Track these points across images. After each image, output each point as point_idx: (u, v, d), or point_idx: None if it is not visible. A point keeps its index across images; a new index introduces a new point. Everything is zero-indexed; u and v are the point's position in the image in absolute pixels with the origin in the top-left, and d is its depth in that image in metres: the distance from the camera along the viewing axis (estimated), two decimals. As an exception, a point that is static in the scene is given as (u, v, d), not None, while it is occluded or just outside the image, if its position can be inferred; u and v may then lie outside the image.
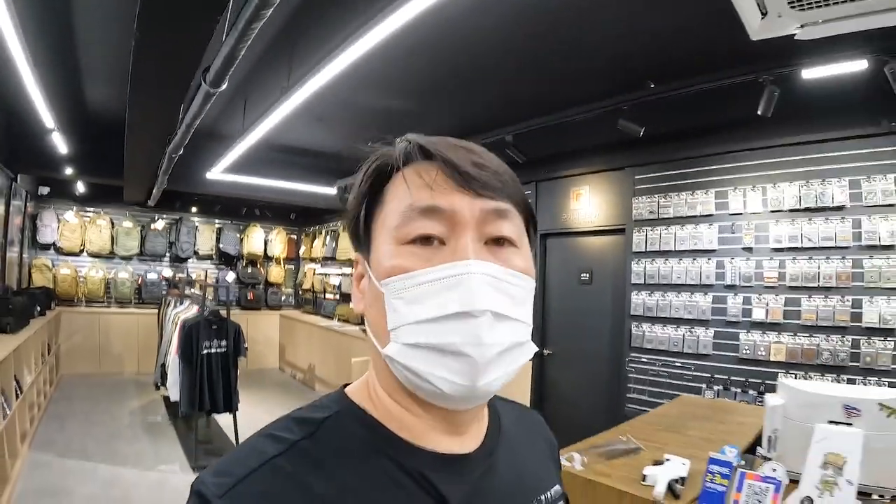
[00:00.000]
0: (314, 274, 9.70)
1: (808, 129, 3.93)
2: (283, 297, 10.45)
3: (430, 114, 4.99)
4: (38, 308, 6.20)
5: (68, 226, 8.29)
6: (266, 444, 0.58)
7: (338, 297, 8.83)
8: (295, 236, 10.74)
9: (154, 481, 4.34)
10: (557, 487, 0.77)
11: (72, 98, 4.91)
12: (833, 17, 2.07)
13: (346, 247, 8.42)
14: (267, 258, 10.26)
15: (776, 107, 3.53)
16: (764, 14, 2.14)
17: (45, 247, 8.23)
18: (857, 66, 3.26)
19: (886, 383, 3.59)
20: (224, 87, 2.82)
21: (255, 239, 9.93)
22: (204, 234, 9.60)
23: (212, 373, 4.75)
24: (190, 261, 9.54)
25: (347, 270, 8.58)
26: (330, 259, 9.18)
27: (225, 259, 9.86)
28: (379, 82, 4.17)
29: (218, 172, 6.42)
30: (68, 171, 6.60)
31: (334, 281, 8.93)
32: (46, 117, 4.67)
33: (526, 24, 3.23)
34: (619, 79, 3.99)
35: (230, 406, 4.86)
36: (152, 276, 8.99)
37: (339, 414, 0.63)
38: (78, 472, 4.38)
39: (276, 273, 10.29)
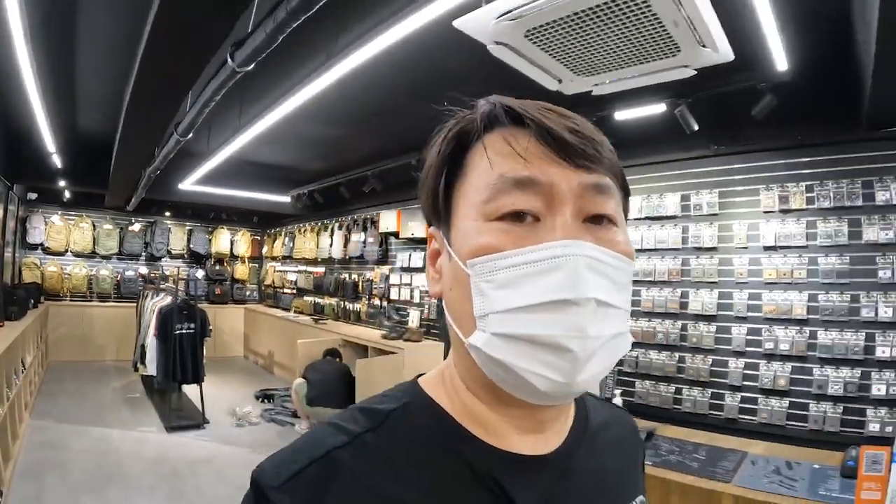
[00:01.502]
0: (274, 271, 10.71)
1: (650, 153, 4.90)
2: (248, 293, 11.35)
3: (362, 138, 6.03)
4: (32, 301, 7.16)
5: (54, 228, 9.19)
6: (328, 435, 0.55)
7: (294, 291, 9.83)
8: (259, 237, 11.63)
9: (136, 439, 5.38)
10: (641, 498, 0.70)
11: (68, 124, 5.92)
12: (609, 81, 2.84)
13: (300, 247, 9.42)
14: (233, 257, 11.19)
15: (628, 136, 4.49)
16: (560, 80, 2.86)
17: (34, 247, 9.09)
18: (657, 108, 4.18)
19: (711, 360, 4.46)
20: (191, 136, 3.93)
21: (223, 240, 10.92)
22: (176, 235, 10.52)
23: (183, 349, 5.81)
24: (164, 259, 10.42)
25: (302, 268, 9.56)
26: (287, 258, 10.14)
27: (195, 258, 10.78)
28: (317, 116, 5.21)
29: (189, 184, 7.48)
30: (61, 182, 7.63)
31: (291, 277, 9.93)
32: (48, 142, 5.70)
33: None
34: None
35: (198, 378, 5.94)
36: (130, 273, 9.90)
37: (407, 406, 0.59)
38: (72, 432, 5.37)
39: (241, 270, 11.25)
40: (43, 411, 5.99)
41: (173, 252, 10.51)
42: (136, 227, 10.08)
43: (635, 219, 4.98)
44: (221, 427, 5.87)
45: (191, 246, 10.67)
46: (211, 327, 6.26)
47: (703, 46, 2.33)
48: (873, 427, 3.85)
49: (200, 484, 4.34)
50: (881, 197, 3.88)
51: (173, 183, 7.62)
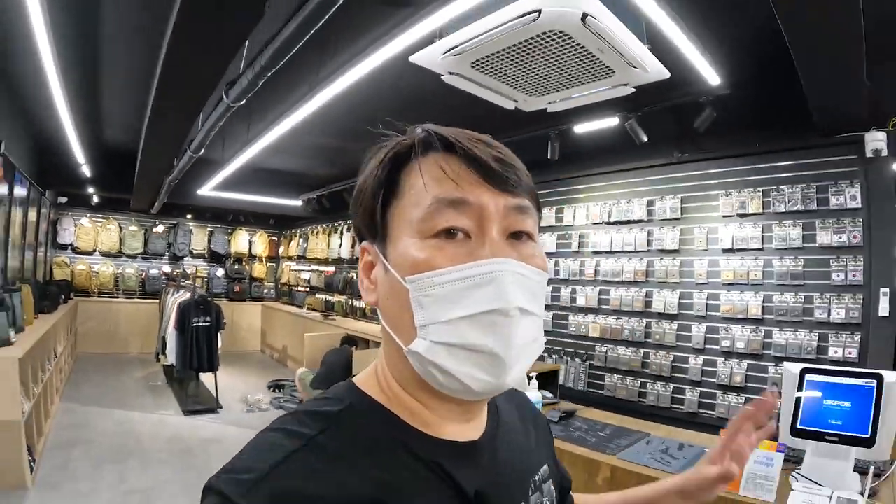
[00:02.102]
0: (290, 270, 11.26)
1: (619, 161, 5.16)
2: (265, 290, 11.88)
3: (362, 148, 6.49)
4: (63, 297, 7.73)
5: (83, 229, 9.83)
6: (282, 440, 0.57)
7: (308, 289, 10.36)
8: (276, 238, 12.16)
9: (155, 420, 5.90)
10: (546, 467, 0.79)
11: (95, 139, 6.50)
12: (560, 100, 3.09)
13: (313, 247, 9.98)
14: (251, 257, 11.74)
15: (599, 146, 4.83)
16: (516, 101, 3.12)
17: (64, 247, 9.74)
18: (611, 122, 4.42)
19: (673, 357, 4.65)
20: (202, 151, 4.45)
21: (241, 240, 11.50)
22: (197, 236, 11.13)
23: (199, 340, 6.33)
24: (186, 259, 11.00)
25: (315, 267, 10.08)
26: (301, 258, 10.68)
27: (215, 257, 11.36)
28: (320, 128, 5.65)
29: (207, 190, 8.04)
30: (90, 189, 8.29)
31: (305, 276, 10.48)
32: (79, 154, 6.29)
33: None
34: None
35: (212, 366, 6.45)
36: (154, 271, 10.50)
37: (352, 406, 0.63)
38: (98, 414, 5.91)
39: (259, 269, 11.79)
40: (72, 396, 6.55)
41: (195, 252, 11.12)
42: (160, 228, 10.68)
43: (605, 223, 5.25)
44: (233, 412, 6.37)
45: (211, 246, 11.26)
46: (225, 321, 6.75)
47: (634, 67, 2.61)
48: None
49: (210, 459, 4.82)
50: (835, 201, 4.01)
51: (193, 189, 8.20)
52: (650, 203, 4.98)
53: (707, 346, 4.56)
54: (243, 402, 6.67)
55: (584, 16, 2.21)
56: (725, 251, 4.50)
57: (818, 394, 1.98)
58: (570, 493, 0.96)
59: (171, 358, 6.58)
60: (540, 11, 2.21)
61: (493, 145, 0.64)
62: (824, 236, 4.05)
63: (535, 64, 2.70)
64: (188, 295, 6.86)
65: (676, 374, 4.64)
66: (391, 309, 0.62)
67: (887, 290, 3.77)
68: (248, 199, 8.82)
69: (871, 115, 3.68)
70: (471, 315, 0.57)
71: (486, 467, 0.66)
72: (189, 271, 10.13)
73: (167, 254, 10.85)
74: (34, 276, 7.36)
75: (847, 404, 1.92)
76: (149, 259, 10.60)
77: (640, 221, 5.04)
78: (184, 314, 6.35)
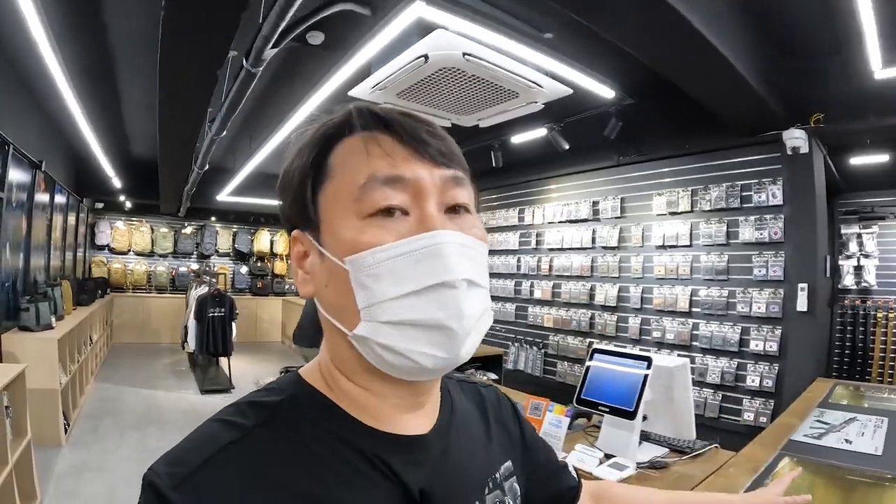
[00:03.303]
0: (308, 267, 12.06)
1: (567, 166, 5.63)
2: (287, 286, 12.68)
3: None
4: (100, 292, 8.66)
5: (118, 231, 10.81)
6: (220, 431, 0.56)
7: (324, 284, 11.13)
8: (297, 237, 13.01)
9: (175, 398, 6.74)
10: (508, 464, 0.75)
11: (122, 155, 7.48)
12: (487, 117, 3.59)
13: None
14: (273, 254, 12.58)
15: (553, 151, 5.13)
16: (450, 120, 3.60)
17: (101, 247, 10.73)
18: (539, 132, 4.94)
19: (613, 346, 4.62)
20: (206, 167, 5.26)
21: (263, 239, 12.36)
22: (223, 236, 12.04)
23: (214, 328, 7.19)
24: (212, 257, 11.89)
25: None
26: (319, 255, 11.47)
27: (239, 256, 12.25)
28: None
29: (224, 195, 8.92)
30: (121, 197, 9.31)
31: (321, 272, 11.27)
32: (108, 168, 7.24)
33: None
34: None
35: (226, 351, 7.31)
36: (183, 269, 11.43)
37: (293, 397, 0.61)
38: (127, 392, 6.78)
39: (280, 266, 12.63)
40: (105, 377, 7.49)
41: (220, 251, 12.02)
42: (189, 230, 11.63)
43: (558, 221, 5.78)
44: (244, 392, 7.04)
45: (235, 245, 12.14)
46: (237, 311, 7.58)
47: (533, 88, 3.07)
48: (748, 416, 4.16)
49: (217, 428, 5.63)
50: (757, 199, 4.23)
51: (212, 195, 9.12)
52: (595, 203, 5.44)
53: (642, 337, 4.93)
54: (255, 384, 7.47)
55: (465, 54, 2.73)
56: (658, 248, 4.87)
57: (608, 367, 2.26)
58: (602, 484, 1.03)
59: (191, 345, 7.44)
60: (427, 56, 2.78)
61: (421, 120, 0.63)
62: (747, 233, 4.29)
63: (451, 91, 3.19)
64: (206, 289, 7.73)
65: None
66: (331, 296, 0.60)
67: (805, 285, 3.97)
68: (264, 202, 9.63)
69: (791, 113, 3.89)
70: (417, 290, 0.55)
71: (434, 463, 0.63)
72: (216, 269, 11.02)
73: (195, 253, 11.76)
74: (74, 273, 8.30)
75: (623, 381, 2.15)
76: (178, 258, 11.52)
77: (586, 220, 5.51)
78: (201, 306, 7.21)
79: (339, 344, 0.61)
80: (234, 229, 12.22)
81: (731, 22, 3.20)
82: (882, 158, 4.84)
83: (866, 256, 5.21)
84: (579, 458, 2.05)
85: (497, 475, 0.72)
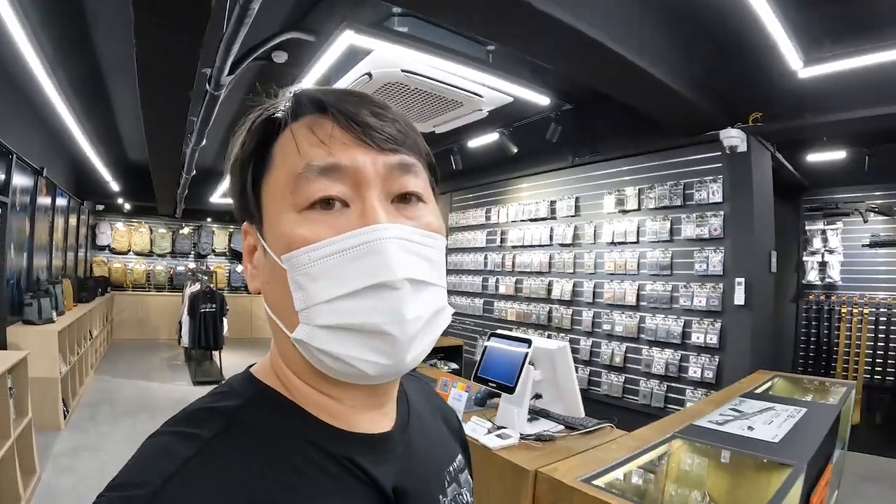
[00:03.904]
0: (303, 264, 12.48)
1: (526, 167, 5.91)
2: (283, 285, 13.13)
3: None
4: (100, 290, 9.06)
5: (118, 232, 11.25)
6: (176, 445, 0.51)
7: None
8: (290, 237, 13.44)
9: (169, 388, 7.18)
10: (460, 457, 0.74)
11: (119, 161, 7.94)
12: (442, 124, 3.83)
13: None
14: (268, 254, 13.02)
15: (517, 154, 5.37)
16: None
17: (102, 248, 11.16)
18: (492, 137, 5.31)
19: (569, 339, 5.10)
20: (194, 172, 5.71)
21: (258, 239, 12.78)
22: (219, 236, 12.44)
23: (206, 323, 7.63)
24: (209, 257, 12.30)
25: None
26: (311, 254, 11.90)
27: (235, 255, 12.60)
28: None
29: (217, 197, 9.37)
30: (119, 199, 9.84)
31: (314, 270, 11.71)
32: (105, 173, 7.73)
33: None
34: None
35: (217, 345, 7.76)
36: (181, 268, 11.83)
37: (251, 401, 0.57)
38: (124, 384, 7.23)
39: (276, 266, 13.06)
40: (104, 370, 7.96)
41: (217, 251, 12.42)
42: (186, 230, 12.04)
43: (521, 220, 6.08)
44: None
45: (231, 245, 12.53)
46: (227, 307, 8.03)
47: (473, 98, 3.35)
48: (690, 406, 3.96)
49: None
50: (698, 197, 4.36)
51: (206, 197, 9.55)
52: (552, 203, 5.72)
53: (594, 330, 5.12)
54: (245, 376, 7.95)
55: (404, 70, 3.05)
56: (609, 244, 5.07)
57: (501, 346, 2.47)
58: None
59: (186, 339, 7.90)
60: (370, 74, 3.11)
61: (369, 101, 0.58)
62: (689, 229, 4.44)
63: (400, 104, 3.44)
64: (198, 287, 8.20)
65: (573, 355, 5.32)
66: (273, 295, 0.57)
67: (742, 279, 4.12)
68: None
69: (731, 114, 4.05)
70: (352, 292, 0.51)
71: (401, 460, 0.61)
72: (211, 268, 11.48)
73: (192, 252, 12.17)
74: (75, 271, 8.76)
75: (508, 360, 2.33)
76: (176, 257, 11.92)
77: (545, 219, 5.81)
78: (194, 302, 7.67)
79: (285, 344, 0.57)
80: (230, 230, 12.62)
81: (660, 33, 3.39)
82: (839, 155, 5.10)
83: (830, 252, 5.49)
84: (472, 427, 2.25)
85: (452, 468, 0.71)
